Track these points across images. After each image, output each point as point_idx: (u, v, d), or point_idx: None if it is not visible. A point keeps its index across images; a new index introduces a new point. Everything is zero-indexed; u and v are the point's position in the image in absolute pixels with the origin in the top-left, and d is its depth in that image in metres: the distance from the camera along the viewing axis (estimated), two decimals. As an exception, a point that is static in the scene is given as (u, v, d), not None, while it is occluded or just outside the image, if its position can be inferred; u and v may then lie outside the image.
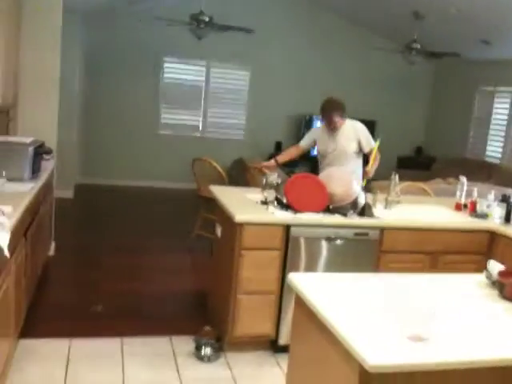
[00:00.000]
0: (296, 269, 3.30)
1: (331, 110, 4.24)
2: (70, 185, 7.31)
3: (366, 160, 4.35)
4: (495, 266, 2.35)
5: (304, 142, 4.51)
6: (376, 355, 1.63)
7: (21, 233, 3.08)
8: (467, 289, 2.31)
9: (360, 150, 4.34)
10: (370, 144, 4.30)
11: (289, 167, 7.87)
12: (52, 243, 4.97)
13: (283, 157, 4.55)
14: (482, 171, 7.46)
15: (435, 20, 6.90)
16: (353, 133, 4.34)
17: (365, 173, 4.19)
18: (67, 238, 5.37)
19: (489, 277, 2.34)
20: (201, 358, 3.33)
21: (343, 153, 4.32)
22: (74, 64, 7.08)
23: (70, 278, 4.62)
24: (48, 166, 4.31)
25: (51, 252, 4.91)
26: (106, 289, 4.38)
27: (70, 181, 7.29)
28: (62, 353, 3.27)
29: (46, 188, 4.22)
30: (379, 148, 4.08)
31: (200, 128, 8.89)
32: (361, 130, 4.36)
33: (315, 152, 4.67)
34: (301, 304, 2.14)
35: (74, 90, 7.27)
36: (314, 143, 4.46)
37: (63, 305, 4.03)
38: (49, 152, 4.32)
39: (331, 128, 4.28)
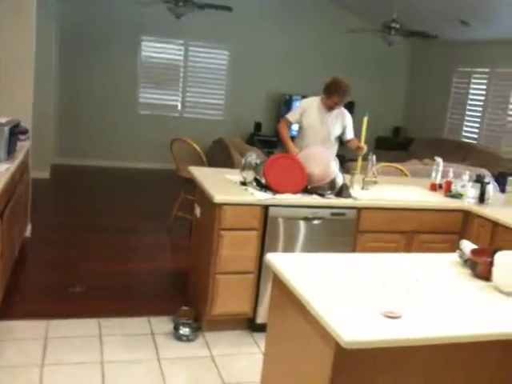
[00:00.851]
0: (274, 249, 3.33)
1: (345, 94, 4.28)
2: (47, 165, 7.21)
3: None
4: (467, 245, 2.40)
5: (292, 117, 4.42)
6: (351, 332, 1.67)
7: (-4, 214, 3.05)
8: (440, 268, 2.36)
9: (339, 136, 4.41)
10: (352, 134, 4.44)
11: (268, 148, 7.90)
12: (28, 224, 4.92)
13: (289, 140, 4.41)
14: (459, 152, 7.56)
15: None
16: (341, 117, 4.45)
17: (359, 148, 4.26)
18: (44, 219, 5.32)
19: (462, 256, 2.39)
20: (179, 338, 3.36)
21: (328, 134, 4.39)
22: (49, 42, 6.95)
23: (47, 259, 4.59)
24: (24, 146, 4.25)
25: (28, 233, 4.86)
26: (84, 269, 4.37)
27: (47, 161, 7.20)
28: (40, 334, 3.27)
29: (22, 168, 4.16)
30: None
31: (179, 107, 8.82)
32: (348, 117, 4.51)
33: (294, 132, 4.68)
34: (278, 283, 2.17)
35: (50, 69, 7.14)
36: (301, 118, 4.40)
37: (40, 286, 4.02)
38: (24, 132, 4.27)
39: (330, 107, 4.32)
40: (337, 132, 4.44)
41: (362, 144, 4.22)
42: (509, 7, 6.41)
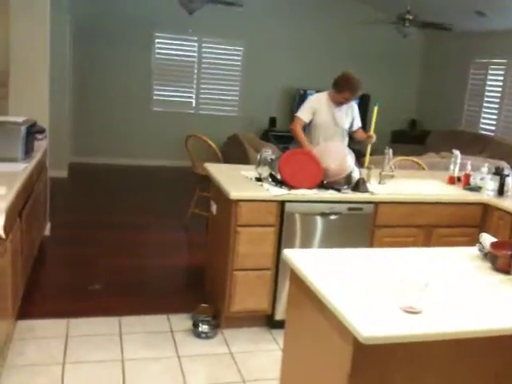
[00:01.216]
0: (291, 245, 3.32)
1: (356, 90, 4.26)
2: (64, 164, 7.27)
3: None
4: (487, 239, 2.37)
5: (306, 116, 4.34)
6: (369, 327, 1.66)
7: (15, 213, 3.08)
8: (460, 261, 2.33)
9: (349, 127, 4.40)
10: (359, 123, 4.46)
11: (283, 143, 7.87)
12: (47, 223, 4.97)
13: (305, 141, 4.32)
14: (477, 144, 7.47)
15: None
16: (350, 109, 4.42)
17: (369, 137, 4.24)
18: (62, 218, 5.36)
19: (481, 249, 2.36)
20: (198, 335, 3.37)
21: (341, 128, 4.37)
22: (63, 37, 6.98)
23: (67, 257, 4.64)
24: (41, 145, 4.29)
25: (47, 232, 4.91)
26: (104, 267, 4.40)
27: (64, 160, 7.25)
28: (60, 333, 3.30)
29: (40, 168, 4.20)
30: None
31: (193, 104, 8.83)
32: (356, 108, 4.50)
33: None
34: (296, 279, 2.16)
35: (65, 68, 7.19)
36: (313, 116, 4.36)
37: (60, 284, 4.06)
38: (41, 131, 4.30)
39: (340, 103, 4.30)
40: (347, 126, 4.44)
41: (371, 133, 4.21)
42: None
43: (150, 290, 4.10)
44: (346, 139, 4.50)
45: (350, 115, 4.43)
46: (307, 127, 4.44)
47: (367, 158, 4.03)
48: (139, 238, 5.24)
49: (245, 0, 7.14)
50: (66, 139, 7.30)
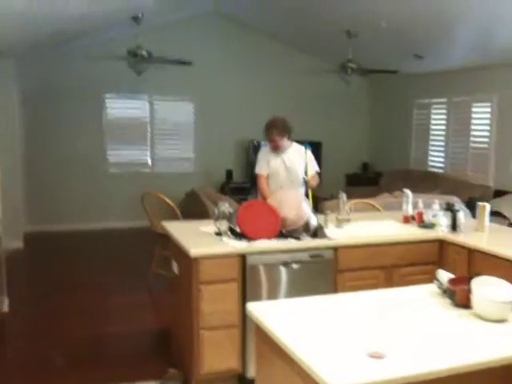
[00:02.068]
0: (257, 298, 3.29)
1: (270, 127, 4.43)
2: (19, 234, 7.09)
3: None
4: (444, 275, 2.42)
5: (264, 170, 4.47)
6: (337, 375, 1.65)
7: (-32, 291, 2.96)
8: (421, 300, 2.37)
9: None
10: (315, 167, 4.53)
11: (241, 194, 7.94)
12: (5, 299, 4.78)
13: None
14: (428, 181, 7.71)
15: (368, 37, 7.15)
16: (299, 155, 4.49)
17: (307, 182, 4.40)
18: (21, 291, 5.19)
19: (440, 286, 2.41)
20: (169, 401, 3.26)
21: (295, 173, 4.44)
22: (12, 109, 6.96)
23: (27, 332, 4.46)
24: (-7, 218, 4.19)
25: (5, 308, 4.72)
26: (65, 337, 4.25)
27: (19, 229, 7.07)
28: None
29: (-7, 241, 4.08)
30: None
31: (149, 163, 8.84)
32: (308, 152, 4.54)
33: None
34: (261, 333, 2.14)
35: (15, 135, 7.12)
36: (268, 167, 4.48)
37: (20, 362, 3.89)
38: (-7, 203, 4.20)
39: (273, 146, 4.44)
40: (301, 170, 4.47)
41: (309, 176, 4.40)
42: (456, 40, 6.71)
43: (115, 359, 3.97)
44: (304, 186, 4.51)
45: (302, 160, 4.46)
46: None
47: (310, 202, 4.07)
48: (102, 303, 5.10)
49: (191, 56, 7.31)
50: (19, 208, 7.15)
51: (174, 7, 7.14)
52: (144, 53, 6.47)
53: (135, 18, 6.42)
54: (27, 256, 6.90)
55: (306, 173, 4.46)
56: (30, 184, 7.94)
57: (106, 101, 8.46)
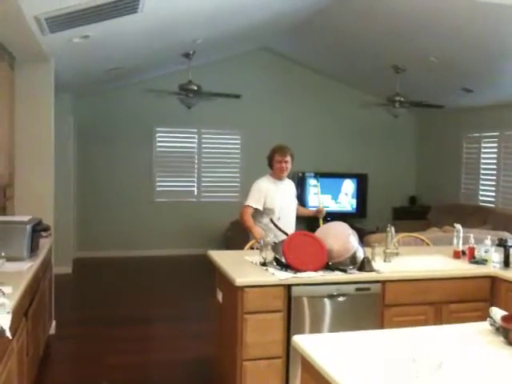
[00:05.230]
0: (301, 329, 3.26)
1: (283, 148, 4.57)
2: (69, 260, 7.29)
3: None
4: (498, 312, 2.34)
5: (259, 204, 4.43)
6: (386, 414, 1.61)
7: (21, 313, 3.06)
8: (472, 337, 2.29)
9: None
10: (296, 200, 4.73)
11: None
12: (53, 321, 4.91)
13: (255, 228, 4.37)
14: (478, 216, 7.51)
15: (416, 71, 7.14)
16: (290, 185, 4.71)
17: (319, 212, 4.56)
18: (68, 315, 5.31)
19: (492, 323, 2.33)
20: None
21: (294, 204, 4.63)
22: (67, 139, 7.25)
23: (72, 356, 4.54)
24: (46, 242, 4.33)
25: (52, 330, 4.84)
26: (110, 363, 4.30)
27: (69, 256, 7.28)
28: None
29: (45, 265, 4.21)
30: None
31: (195, 193, 8.97)
32: (293, 184, 4.79)
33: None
34: (307, 367, 2.11)
35: (69, 164, 7.41)
36: (265, 200, 4.45)
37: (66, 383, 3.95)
38: (46, 229, 4.35)
39: (282, 168, 4.49)
40: (294, 201, 4.67)
41: (321, 206, 4.64)
42: (507, 73, 6.60)
43: (159, 385, 3.98)
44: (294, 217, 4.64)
45: (294, 191, 4.70)
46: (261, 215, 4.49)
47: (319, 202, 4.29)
48: (145, 331, 5.16)
49: (239, 90, 7.46)
50: (70, 235, 7.37)
51: (224, 46, 7.34)
52: (194, 87, 6.66)
53: (186, 55, 6.63)
54: (75, 281, 7.06)
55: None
56: (81, 212, 8.19)
57: (157, 134, 8.70)
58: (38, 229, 4.04)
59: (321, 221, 4.48)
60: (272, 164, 4.56)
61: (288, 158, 4.51)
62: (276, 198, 4.48)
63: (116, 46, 5.31)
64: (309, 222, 5.63)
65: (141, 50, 5.82)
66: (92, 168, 8.36)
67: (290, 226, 4.45)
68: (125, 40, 5.12)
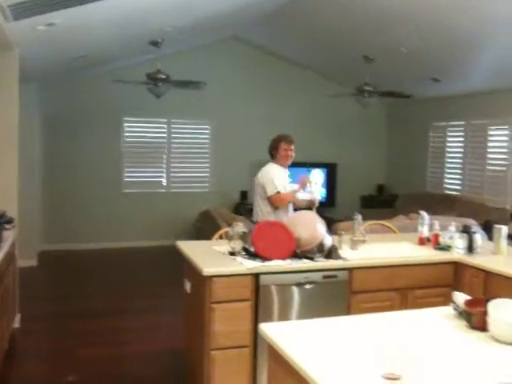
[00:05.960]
0: (269, 318, 3.27)
1: (287, 136, 4.68)
2: (34, 253, 7.14)
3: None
4: (460, 297, 2.38)
5: (283, 189, 4.58)
6: (350, 399, 1.62)
7: (-17, 307, 2.99)
8: (436, 322, 2.33)
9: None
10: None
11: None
12: (17, 314, 4.81)
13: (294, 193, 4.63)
14: (444, 204, 7.64)
15: (385, 61, 7.18)
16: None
17: (312, 202, 4.64)
18: (34, 308, 5.20)
19: (456, 308, 2.37)
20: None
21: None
22: (32, 130, 7.09)
23: (38, 349, 4.46)
24: (9, 235, 4.23)
25: (16, 324, 4.74)
26: (78, 357, 4.24)
27: (34, 248, 7.13)
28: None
29: (8, 258, 4.12)
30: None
31: (165, 183, 8.89)
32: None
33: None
34: (274, 354, 2.12)
35: (34, 155, 7.23)
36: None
37: (33, 378, 3.88)
38: (10, 221, 4.25)
39: (287, 156, 4.61)
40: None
41: (314, 198, 4.69)
42: (474, 64, 6.71)
43: (129, 379, 3.94)
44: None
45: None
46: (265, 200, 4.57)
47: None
48: (116, 323, 5.08)
49: (209, 80, 7.39)
50: (35, 227, 7.22)
51: (193, 34, 7.26)
52: (162, 76, 6.57)
53: (155, 43, 6.52)
54: (40, 274, 6.92)
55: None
56: (46, 203, 8.03)
57: (125, 124, 8.57)
58: (1, 221, 3.95)
59: (313, 210, 4.49)
60: (277, 152, 4.64)
61: (293, 147, 4.64)
62: (285, 184, 4.62)
63: (82, 34, 5.19)
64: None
65: (108, 37, 5.70)
66: (59, 159, 8.19)
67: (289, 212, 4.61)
68: (91, 27, 5.00)
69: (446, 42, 6.03)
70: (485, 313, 2.16)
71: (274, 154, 4.69)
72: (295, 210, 4.63)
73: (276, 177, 4.59)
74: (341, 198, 9.27)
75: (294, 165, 4.90)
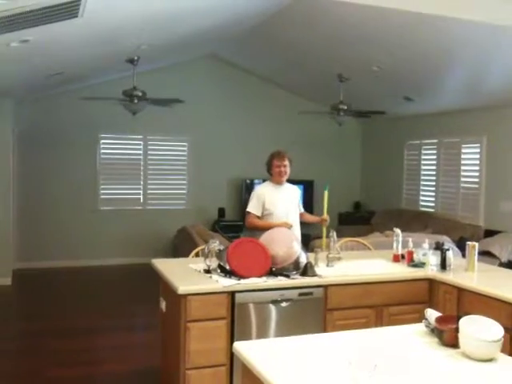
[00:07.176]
0: (245, 336, 3.25)
1: (280, 152, 4.57)
2: (8, 271, 7.01)
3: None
4: (433, 314, 2.41)
5: (258, 211, 4.48)
6: (323, 418, 1.62)
7: (-48, 328, 2.92)
8: (409, 339, 2.35)
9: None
10: (301, 207, 4.69)
11: (233, 232, 7.92)
12: (-11, 335, 4.71)
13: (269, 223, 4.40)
14: (419, 221, 7.74)
15: (359, 80, 7.29)
16: (293, 191, 4.66)
17: (323, 220, 4.58)
18: (4, 328, 5.09)
19: (428, 325, 2.40)
20: None
21: (294, 208, 4.57)
22: (7, 146, 7.02)
23: (8, 370, 4.36)
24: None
25: (-12, 344, 4.64)
26: (48, 376, 4.15)
27: (7, 267, 7.00)
28: None
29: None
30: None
31: (141, 200, 8.84)
32: (298, 190, 4.65)
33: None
34: (248, 373, 2.11)
35: (8, 172, 7.14)
36: (264, 207, 4.50)
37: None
38: (-18, 239, 4.18)
39: (280, 172, 4.49)
40: (296, 205, 4.65)
41: (325, 215, 4.56)
42: (446, 83, 6.86)
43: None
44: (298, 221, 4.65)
45: (295, 196, 4.68)
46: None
47: (324, 240, 4.16)
48: (89, 342, 5.01)
49: (186, 97, 7.42)
50: (9, 246, 7.10)
51: (170, 52, 7.29)
52: (139, 93, 6.56)
53: (131, 61, 6.53)
54: (14, 293, 6.80)
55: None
56: (21, 221, 7.91)
57: (101, 141, 8.53)
58: (-27, 239, 3.88)
59: (324, 229, 4.49)
60: (271, 169, 4.58)
61: (286, 162, 4.53)
62: (276, 202, 4.49)
63: (57, 52, 5.17)
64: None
65: (83, 55, 5.69)
66: (34, 176, 8.09)
67: (293, 231, 4.42)
68: (66, 45, 4.99)
69: (417, 61, 6.16)
70: (456, 330, 2.19)
71: (269, 172, 4.61)
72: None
73: (258, 196, 4.52)
74: (318, 215, 9.31)
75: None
